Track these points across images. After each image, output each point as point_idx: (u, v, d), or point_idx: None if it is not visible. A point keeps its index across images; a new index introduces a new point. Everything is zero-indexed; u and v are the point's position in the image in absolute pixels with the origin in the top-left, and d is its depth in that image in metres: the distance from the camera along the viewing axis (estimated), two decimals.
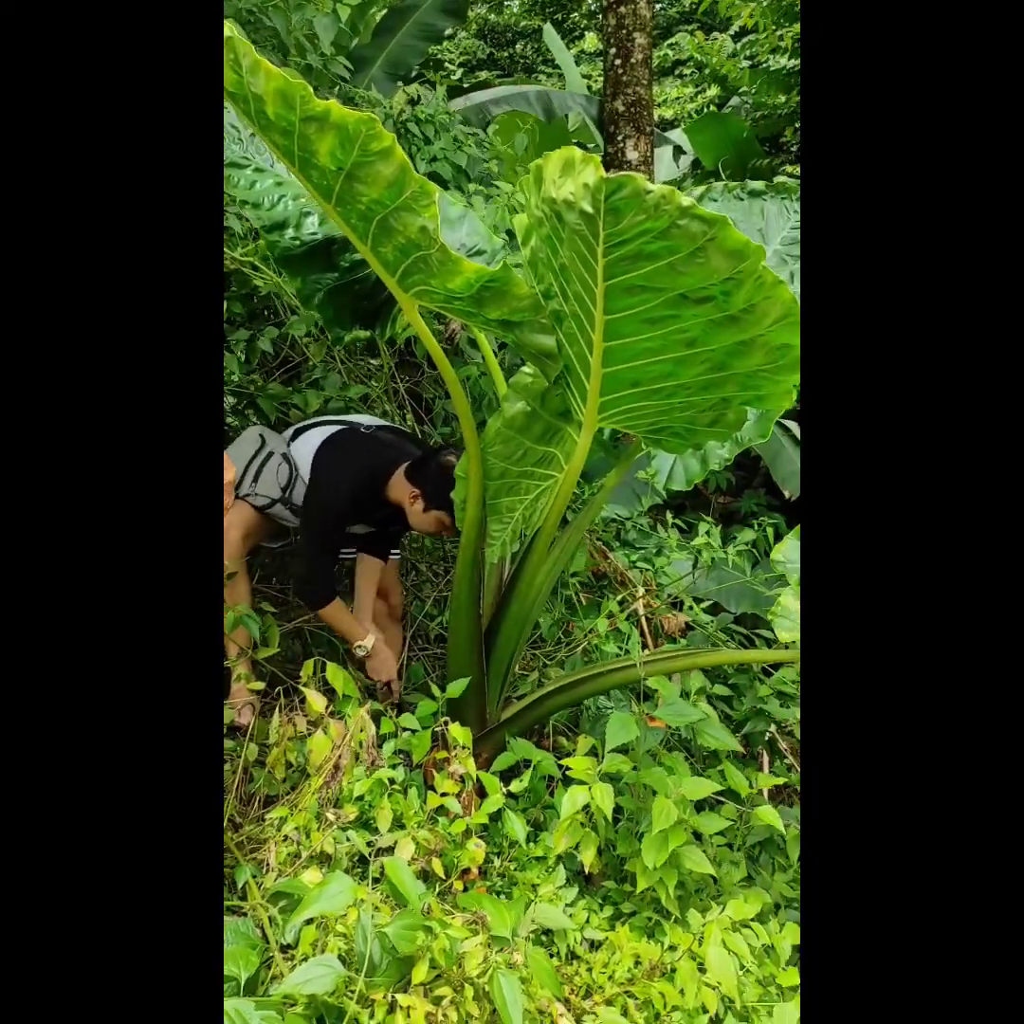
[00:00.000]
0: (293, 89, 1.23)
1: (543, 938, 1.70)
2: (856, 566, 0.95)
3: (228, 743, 2.19)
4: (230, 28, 1.22)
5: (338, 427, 2.45)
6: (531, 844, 1.87)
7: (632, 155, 5.07)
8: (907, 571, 0.93)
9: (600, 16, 6.43)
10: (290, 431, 2.48)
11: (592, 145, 8.79)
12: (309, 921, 1.37)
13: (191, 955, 0.87)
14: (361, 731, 1.72)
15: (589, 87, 9.67)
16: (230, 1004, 1.11)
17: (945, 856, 0.89)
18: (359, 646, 2.37)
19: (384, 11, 5.98)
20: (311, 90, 1.24)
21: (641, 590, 2.91)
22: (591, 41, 13.68)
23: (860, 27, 0.97)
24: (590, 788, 1.70)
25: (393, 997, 1.21)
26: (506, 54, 13.39)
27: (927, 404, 0.93)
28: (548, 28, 8.87)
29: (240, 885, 1.54)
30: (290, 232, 1.98)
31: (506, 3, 13.98)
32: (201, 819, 0.92)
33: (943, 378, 0.93)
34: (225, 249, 2.52)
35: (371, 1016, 1.21)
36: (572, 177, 1.17)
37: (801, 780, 1.75)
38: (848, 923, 0.91)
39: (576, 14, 13.71)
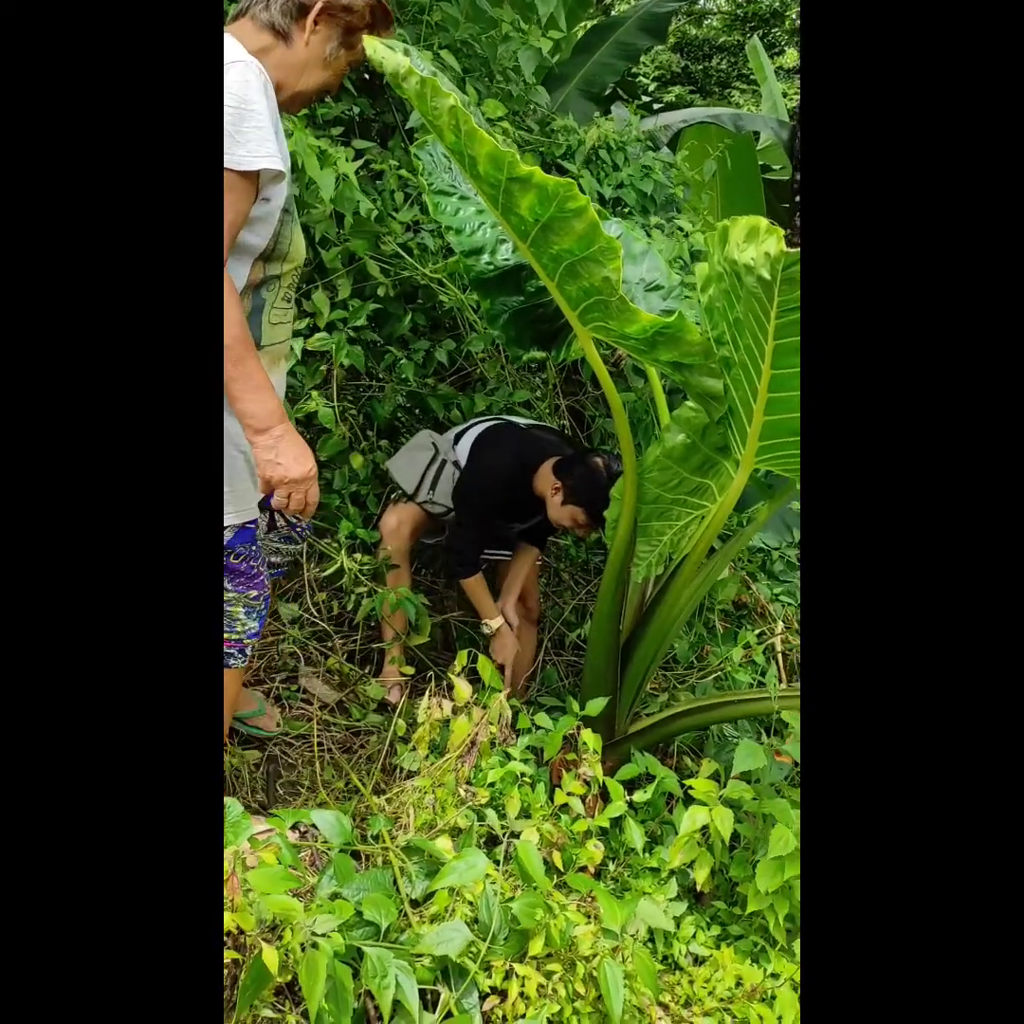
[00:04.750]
0: (502, 155, 1.39)
1: (648, 946, 1.79)
2: (858, 562, 0.94)
3: (376, 717, 2.39)
4: (455, 99, 1.38)
5: (496, 421, 2.63)
6: (646, 854, 1.96)
7: None
8: (909, 574, 0.92)
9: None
10: (452, 435, 2.65)
11: (779, 165, 8.65)
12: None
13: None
14: (498, 716, 1.88)
15: (788, 104, 9.50)
16: (372, 952, 1.27)
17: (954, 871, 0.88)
18: (485, 624, 2.56)
19: (586, 27, 6.11)
20: (517, 156, 1.38)
21: (781, 626, 2.93)
22: (791, 56, 13.40)
23: (861, 26, 0.97)
24: (711, 810, 1.78)
25: (511, 966, 1.35)
26: (701, 68, 13.32)
27: (926, 407, 0.92)
28: (754, 43, 8.74)
29: (371, 834, 1.69)
30: (485, 257, 2.16)
31: (706, 18, 13.90)
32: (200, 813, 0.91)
33: (942, 382, 0.91)
34: (416, 264, 2.72)
35: (489, 979, 1.35)
36: (755, 244, 1.26)
37: (801, 783, 1.78)
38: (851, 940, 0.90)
39: (778, 30, 13.47)
